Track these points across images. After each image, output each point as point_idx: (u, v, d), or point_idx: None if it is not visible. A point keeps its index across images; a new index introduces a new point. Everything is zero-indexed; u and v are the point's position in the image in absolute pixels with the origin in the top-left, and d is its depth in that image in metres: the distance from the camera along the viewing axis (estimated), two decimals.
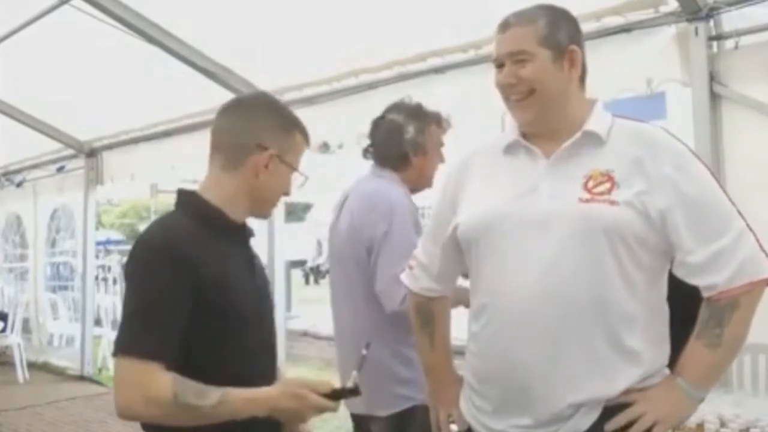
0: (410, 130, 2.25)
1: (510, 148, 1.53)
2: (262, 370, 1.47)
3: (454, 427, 1.67)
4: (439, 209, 1.65)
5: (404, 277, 1.75)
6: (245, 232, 1.54)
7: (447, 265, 1.65)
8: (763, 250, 1.38)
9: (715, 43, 2.89)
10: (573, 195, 1.40)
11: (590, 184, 1.40)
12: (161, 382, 1.26)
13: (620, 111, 1.52)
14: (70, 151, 6.69)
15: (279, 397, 1.35)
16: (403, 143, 2.25)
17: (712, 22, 2.86)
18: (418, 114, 2.29)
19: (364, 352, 1.50)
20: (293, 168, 1.51)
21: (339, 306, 2.33)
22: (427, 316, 1.72)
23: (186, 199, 1.49)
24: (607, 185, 1.39)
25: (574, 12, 1.51)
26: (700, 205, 1.37)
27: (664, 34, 2.94)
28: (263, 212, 1.56)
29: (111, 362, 7.20)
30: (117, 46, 4.30)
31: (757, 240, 1.38)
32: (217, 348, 1.36)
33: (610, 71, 3.02)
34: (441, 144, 2.36)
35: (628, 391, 1.39)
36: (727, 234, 1.36)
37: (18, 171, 7.54)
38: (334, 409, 1.40)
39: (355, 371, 1.44)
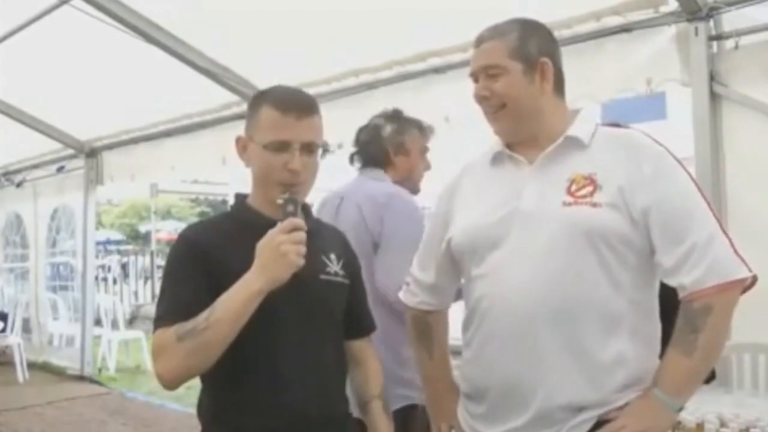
0: (388, 129, 2.38)
1: (496, 159, 1.57)
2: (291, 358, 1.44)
3: None
4: (433, 227, 1.69)
5: (402, 293, 1.77)
6: None
7: (442, 280, 1.68)
8: (738, 254, 1.37)
9: (715, 43, 2.89)
10: (557, 199, 1.42)
11: (573, 187, 1.42)
12: (169, 333, 1.36)
13: (620, 111, 1.54)
14: (70, 151, 6.68)
15: (256, 264, 1.33)
16: (381, 141, 2.37)
17: (712, 22, 2.86)
18: (394, 116, 2.43)
19: (279, 201, 1.40)
20: (259, 143, 1.43)
21: None
22: (424, 328, 1.73)
23: (235, 200, 1.59)
24: (590, 188, 1.40)
25: (575, 12, 1.52)
26: (674, 207, 1.38)
27: (664, 34, 2.94)
28: (272, 195, 1.44)
29: (110, 362, 7.25)
30: (117, 46, 4.29)
31: (731, 244, 1.37)
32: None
33: (610, 71, 3.02)
34: (425, 150, 2.46)
35: (616, 395, 1.39)
36: (698, 235, 1.35)
37: (18, 171, 7.53)
38: (297, 225, 1.34)
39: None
